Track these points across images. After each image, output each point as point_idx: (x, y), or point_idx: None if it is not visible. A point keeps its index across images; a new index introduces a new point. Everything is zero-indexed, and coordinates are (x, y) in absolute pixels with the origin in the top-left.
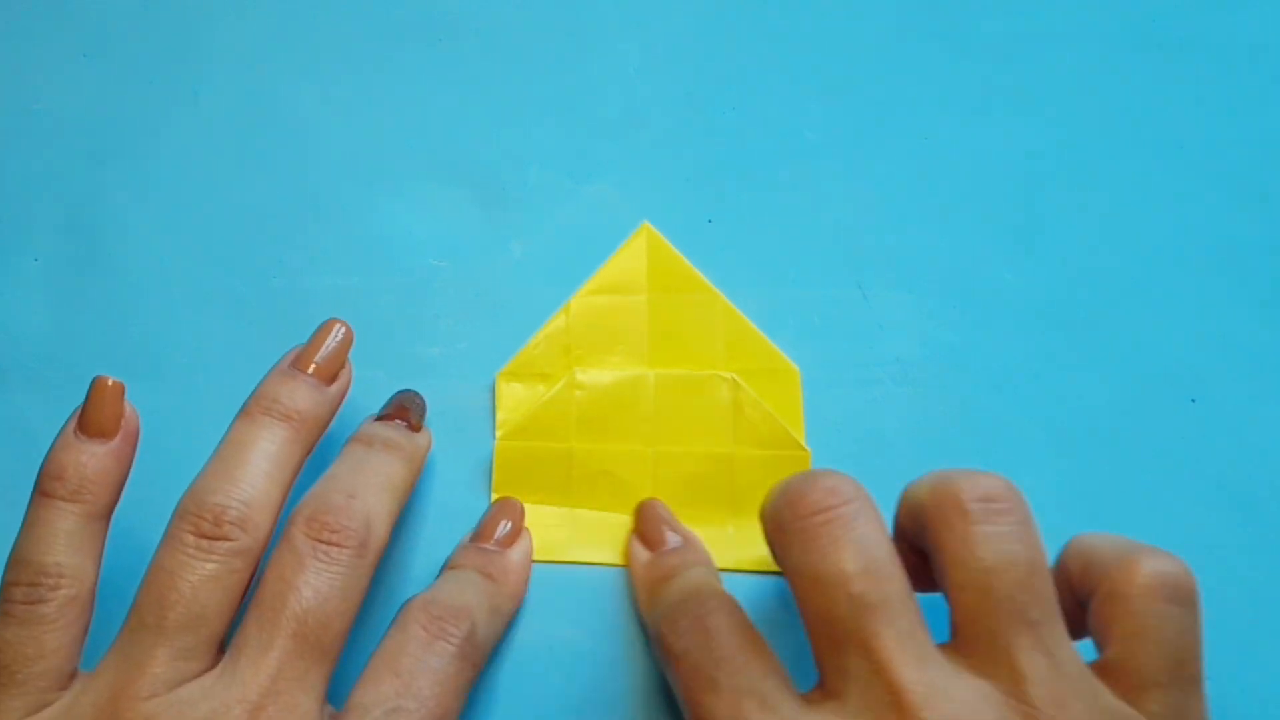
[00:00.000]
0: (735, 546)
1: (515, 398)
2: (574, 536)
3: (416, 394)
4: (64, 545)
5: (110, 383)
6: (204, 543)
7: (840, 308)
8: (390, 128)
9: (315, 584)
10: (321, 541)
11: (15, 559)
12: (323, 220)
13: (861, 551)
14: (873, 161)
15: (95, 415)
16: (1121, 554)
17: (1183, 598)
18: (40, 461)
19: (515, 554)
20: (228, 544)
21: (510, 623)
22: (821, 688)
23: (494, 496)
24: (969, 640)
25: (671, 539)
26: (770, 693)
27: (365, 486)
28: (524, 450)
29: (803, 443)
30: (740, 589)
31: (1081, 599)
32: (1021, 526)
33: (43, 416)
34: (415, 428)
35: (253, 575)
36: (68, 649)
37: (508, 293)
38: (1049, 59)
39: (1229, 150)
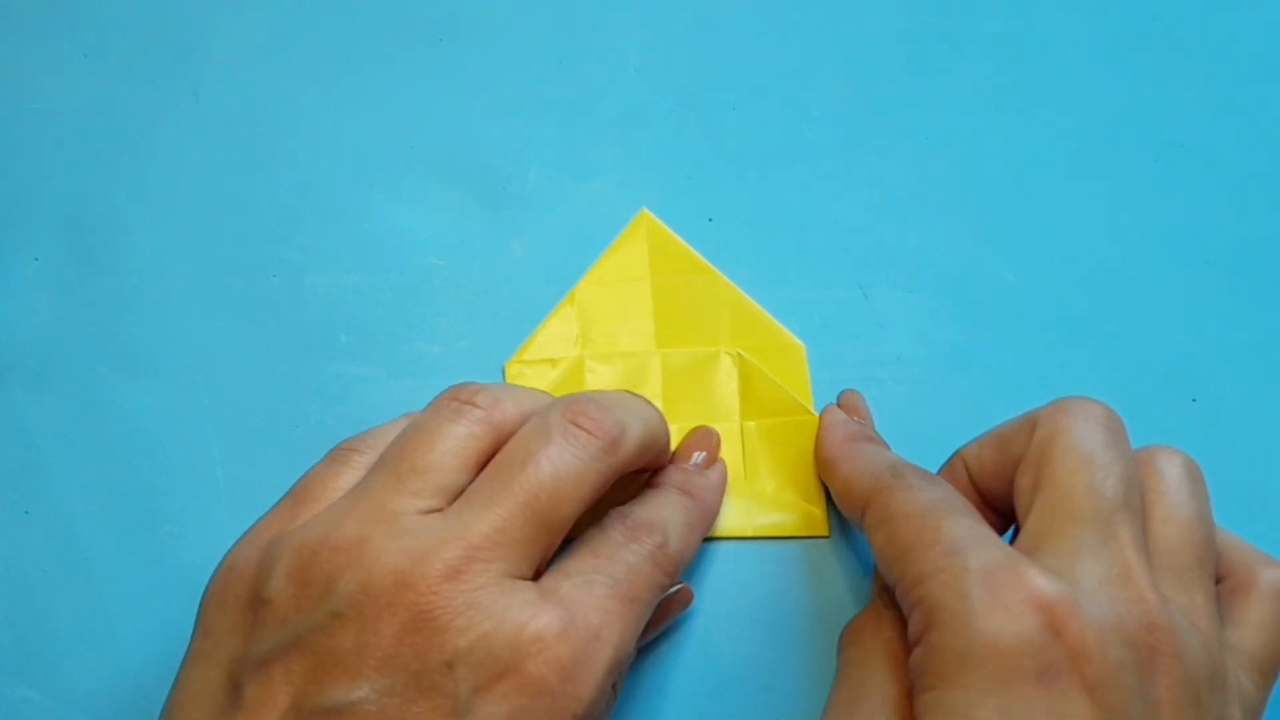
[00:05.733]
0: (752, 515)
1: (525, 385)
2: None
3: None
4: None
5: None
6: (454, 405)
7: (840, 307)
8: (390, 127)
9: (556, 460)
10: (575, 425)
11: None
12: (323, 219)
13: (1132, 466)
14: (873, 161)
15: None
16: (1257, 556)
17: None
18: (37, 460)
19: (713, 474)
20: (476, 411)
21: (704, 537)
22: (1038, 547)
23: None
24: (1163, 557)
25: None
26: (1011, 549)
27: (624, 408)
28: None
29: (811, 409)
30: (757, 558)
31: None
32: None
33: (43, 416)
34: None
35: (492, 451)
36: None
37: (508, 291)
38: (1049, 59)
39: (1229, 149)
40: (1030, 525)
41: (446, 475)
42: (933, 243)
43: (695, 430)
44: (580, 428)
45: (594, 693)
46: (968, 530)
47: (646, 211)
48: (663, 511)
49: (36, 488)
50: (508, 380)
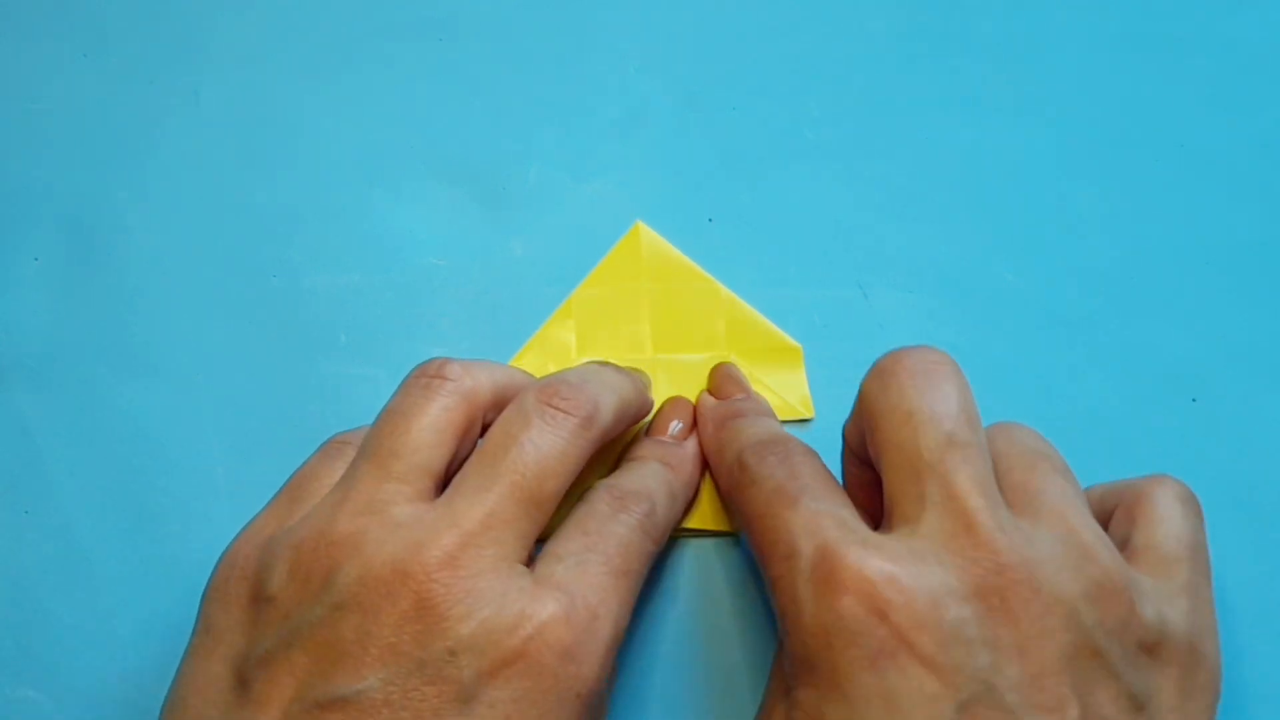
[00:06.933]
0: None
1: None
2: None
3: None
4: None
5: None
6: (423, 381)
7: (840, 307)
8: (390, 127)
9: (538, 441)
10: (551, 407)
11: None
12: (322, 219)
13: (958, 396)
14: (873, 161)
15: None
16: (1146, 479)
17: (1196, 509)
18: (37, 460)
19: (690, 445)
20: (446, 384)
21: (685, 507)
22: (891, 518)
23: None
24: (1020, 497)
25: (738, 395)
26: (848, 518)
27: (597, 383)
28: None
29: (810, 410)
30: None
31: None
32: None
33: (42, 416)
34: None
35: (467, 422)
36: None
37: (508, 291)
38: (1049, 59)
39: (1229, 150)
40: (885, 492)
41: (426, 453)
42: (933, 243)
43: (670, 401)
44: (556, 408)
45: (596, 671)
46: (806, 518)
47: (641, 223)
48: (646, 481)
49: (36, 488)
50: None
